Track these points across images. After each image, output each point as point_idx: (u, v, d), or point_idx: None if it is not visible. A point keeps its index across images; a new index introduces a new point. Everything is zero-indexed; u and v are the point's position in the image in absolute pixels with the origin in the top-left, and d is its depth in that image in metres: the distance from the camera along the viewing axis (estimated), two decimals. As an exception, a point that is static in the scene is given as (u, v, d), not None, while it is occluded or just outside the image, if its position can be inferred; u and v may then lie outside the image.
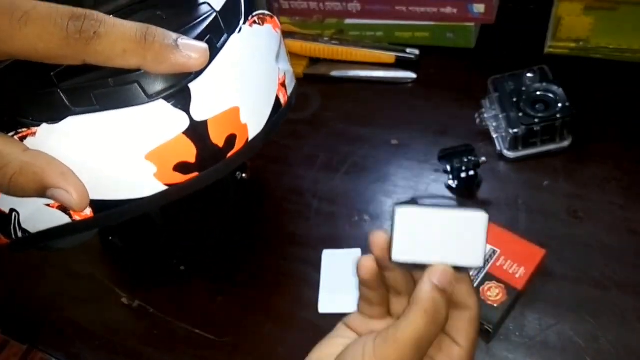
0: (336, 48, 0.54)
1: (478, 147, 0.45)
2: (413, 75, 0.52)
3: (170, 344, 0.39)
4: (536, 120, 0.42)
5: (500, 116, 0.44)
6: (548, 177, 0.43)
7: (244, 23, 0.24)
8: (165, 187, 0.23)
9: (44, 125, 0.21)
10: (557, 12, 0.50)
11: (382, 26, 0.54)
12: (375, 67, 0.53)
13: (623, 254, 0.38)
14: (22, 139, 0.21)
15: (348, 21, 0.55)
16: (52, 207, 0.23)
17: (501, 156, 0.44)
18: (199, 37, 0.22)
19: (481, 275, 0.36)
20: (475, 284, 0.36)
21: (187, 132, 0.23)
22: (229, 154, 0.25)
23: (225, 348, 0.38)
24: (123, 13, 0.22)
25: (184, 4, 0.23)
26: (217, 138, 0.24)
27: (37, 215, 0.24)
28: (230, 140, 0.24)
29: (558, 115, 0.41)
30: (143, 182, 0.23)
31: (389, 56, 0.53)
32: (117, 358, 0.39)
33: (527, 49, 0.50)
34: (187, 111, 0.22)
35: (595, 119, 0.45)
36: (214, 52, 0.22)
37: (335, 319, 0.35)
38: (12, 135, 0.22)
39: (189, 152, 0.23)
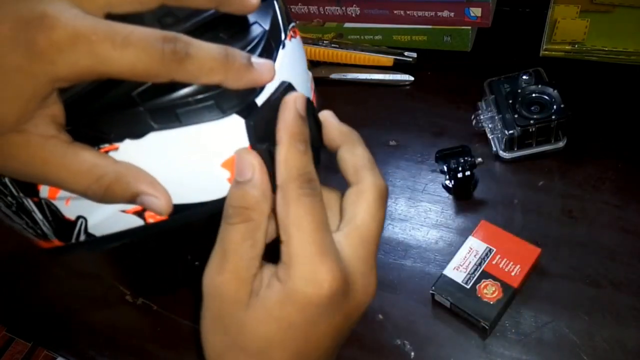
0: (336, 51, 0.55)
1: (474, 148, 0.46)
2: (411, 78, 0.53)
3: (174, 341, 0.40)
4: (531, 122, 0.42)
5: (496, 118, 0.44)
6: (543, 177, 0.44)
7: (285, 38, 0.26)
8: None
9: (127, 141, 0.23)
10: (552, 15, 0.51)
11: (381, 30, 0.55)
12: (374, 69, 0.54)
13: (617, 252, 0.39)
14: (105, 153, 0.23)
15: (347, 25, 0.56)
16: (128, 212, 0.25)
17: (497, 157, 0.45)
18: (259, 57, 0.24)
19: (477, 273, 0.37)
20: (472, 282, 0.37)
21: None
22: None
23: (226, 345, 0.39)
24: (191, 35, 0.23)
25: (240, 25, 0.25)
26: None
27: (110, 221, 0.25)
28: None
29: (553, 117, 0.42)
30: (217, 186, 0.24)
31: (388, 59, 0.54)
32: (121, 355, 0.40)
33: (523, 51, 0.51)
34: None
35: (590, 121, 0.46)
36: None
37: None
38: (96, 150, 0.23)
39: (254, 156, 0.25)
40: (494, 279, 0.37)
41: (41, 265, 0.46)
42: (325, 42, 0.56)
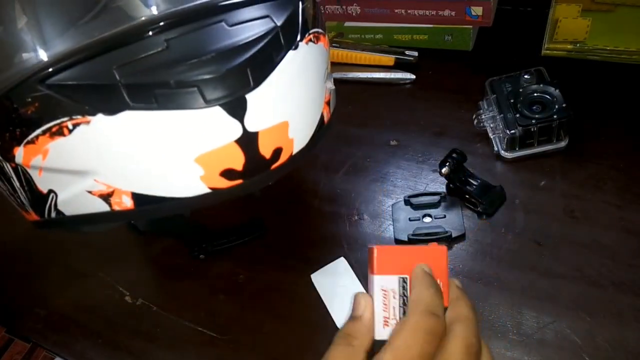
0: (336, 50, 0.55)
1: (475, 147, 0.46)
2: (412, 77, 0.52)
3: (173, 342, 0.39)
4: (533, 122, 0.42)
5: (498, 117, 0.44)
6: (545, 177, 0.43)
7: (301, 40, 0.25)
8: (209, 190, 0.24)
9: (100, 116, 0.22)
10: (554, 14, 0.51)
11: (382, 29, 0.55)
12: (375, 69, 0.54)
13: (619, 253, 0.38)
14: (76, 125, 0.22)
15: (348, 24, 0.56)
16: (94, 194, 0.24)
17: (498, 157, 0.45)
18: (260, 52, 0.22)
19: (406, 308, 0.28)
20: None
21: (238, 141, 0.23)
22: (273, 166, 0.25)
23: (227, 345, 0.39)
24: (190, 23, 0.22)
25: (248, 16, 0.24)
26: (265, 149, 0.24)
27: (77, 200, 0.24)
28: (277, 152, 0.25)
29: (555, 117, 0.42)
30: (189, 183, 0.24)
31: (388, 58, 0.53)
32: (120, 355, 0.40)
33: (524, 50, 0.51)
34: (242, 121, 0.23)
35: (592, 120, 0.46)
36: (272, 66, 0.23)
37: None
38: (66, 121, 0.22)
39: (237, 160, 0.24)
40: None
41: (41, 266, 0.46)
42: (325, 41, 0.56)
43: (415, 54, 0.53)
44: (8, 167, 0.25)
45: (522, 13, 0.55)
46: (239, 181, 0.25)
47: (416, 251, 0.30)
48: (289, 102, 0.25)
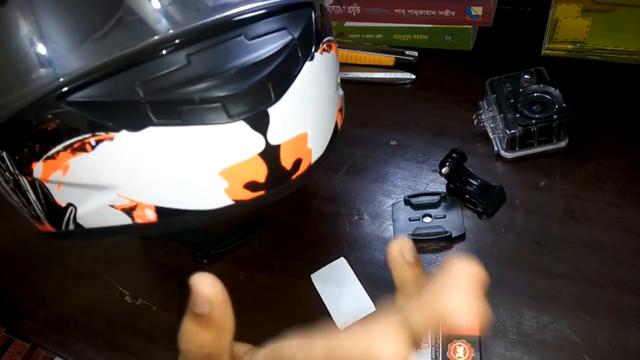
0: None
1: (475, 147, 0.46)
2: (412, 76, 0.52)
3: (174, 342, 0.39)
4: (533, 121, 0.42)
5: (498, 117, 0.44)
6: (545, 177, 0.43)
7: (316, 50, 0.25)
8: (232, 202, 0.24)
9: (124, 132, 0.22)
10: (554, 14, 0.51)
11: (382, 29, 0.55)
12: (375, 68, 0.54)
13: (619, 253, 0.38)
14: (99, 142, 0.22)
15: (348, 24, 0.56)
16: (116, 207, 0.24)
17: (498, 157, 0.45)
18: (280, 66, 0.23)
19: (440, 342, 0.35)
20: (440, 354, 0.34)
21: (261, 154, 0.24)
22: (294, 176, 0.26)
23: (226, 346, 0.39)
24: (209, 38, 0.22)
25: (265, 29, 0.24)
26: (287, 161, 0.25)
27: (98, 213, 0.24)
28: (297, 163, 0.26)
29: (555, 117, 0.42)
30: (213, 196, 0.24)
31: (388, 58, 0.53)
32: (120, 356, 0.40)
33: (524, 50, 0.51)
34: (264, 134, 0.23)
35: (592, 120, 0.46)
36: (291, 79, 0.23)
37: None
38: (89, 137, 0.22)
39: (260, 173, 0.24)
40: (457, 337, 0.35)
41: (41, 266, 0.46)
42: (325, 41, 0.56)
43: (415, 54, 0.53)
44: (24, 181, 0.25)
45: (522, 13, 0.55)
46: (262, 192, 0.25)
47: None
48: (308, 113, 0.25)
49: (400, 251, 0.21)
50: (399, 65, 0.53)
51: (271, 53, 0.23)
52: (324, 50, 0.26)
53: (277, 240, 0.44)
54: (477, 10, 0.50)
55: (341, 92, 0.29)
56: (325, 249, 0.42)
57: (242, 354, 0.23)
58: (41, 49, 0.22)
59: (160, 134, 0.22)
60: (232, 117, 0.22)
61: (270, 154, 0.24)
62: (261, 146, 0.23)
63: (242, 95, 0.22)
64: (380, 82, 0.53)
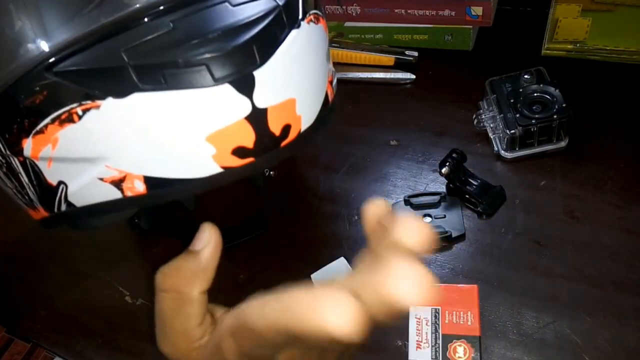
0: (336, 50, 0.55)
1: (475, 147, 0.46)
2: (412, 76, 0.52)
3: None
4: (533, 121, 0.42)
5: (498, 117, 0.44)
6: (545, 177, 0.43)
7: (302, 19, 0.25)
8: (221, 170, 0.24)
9: (110, 99, 0.22)
10: (554, 14, 0.51)
11: (382, 29, 0.55)
12: (375, 68, 0.54)
13: (619, 253, 0.38)
14: (85, 111, 0.22)
15: (348, 24, 0.56)
16: (105, 181, 0.24)
17: (498, 157, 0.45)
18: (265, 29, 0.23)
19: (440, 341, 0.35)
20: (440, 353, 0.35)
21: (248, 118, 0.23)
22: (283, 143, 0.26)
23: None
24: (194, 4, 0.23)
25: None
26: (275, 126, 0.25)
27: (88, 189, 0.24)
28: (286, 129, 0.25)
29: (555, 116, 0.42)
30: (201, 163, 0.23)
31: (388, 58, 0.53)
32: (120, 356, 0.40)
33: (524, 50, 0.51)
34: (250, 97, 0.23)
35: (592, 120, 0.46)
36: (276, 44, 0.23)
37: None
38: (76, 107, 0.22)
39: (248, 137, 0.24)
40: (457, 337, 0.35)
41: (41, 266, 0.46)
42: (325, 41, 0.56)
43: (415, 54, 0.53)
44: (16, 162, 0.25)
45: (522, 13, 0.55)
46: (251, 159, 0.25)
47: (449, 287, 0.37)
48: (295, 79, 0.25)
49: (374, 215, 0.21)
50: (399, 65, 0.53)
51: (255, 17, 0.23)
52: (310, 20, 0.26)
53: (277, 240, 0.44)
54: (477, 10, 0.50)
55: (332, 67, 0.29)
56: (325, 249, 0.42)
57: (217, 316, 0.24)
58: (29, 26, 0.22)
59: (146, 99, 0.22)
60: (217, 80, 0.22)
61: (258, 117, 0.24)
62: (248, 109, 0.23)
63: (227, 57, 0.22)
64: (380, 82, 0.53)
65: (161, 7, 0.22)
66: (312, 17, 0.26)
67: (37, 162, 0.24)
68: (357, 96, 0.53)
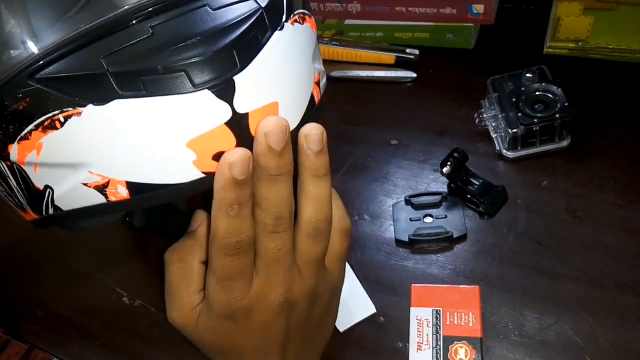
0: (336, 49, 0.54)
1: (477, 147, 0.46)
2: (413, 75, 0.52)
3: (172, 344, 0.39)
4: (535, 121, 0.42)
5: (500, 116, 0.44)
6: (547, 177, 0.43)
7: (286, 21, 0.25)
8: (203, 175, 0.24)
9: (90, 107, 0.22)
10: (556, 13, 0.51)
11: (382, 27, 0.54)
12: (376, 67, 0.53)
13: (622, 253, 0.38)
14: (67, 118, 0.22)
15: (348, 22, 0.55)
16: (90, 186, 0.24)
17: (500, 156, 0.45)
18: (246, 33, 0.23)
19: (441, 343, 0.35)
20: (442, 355, 0.35)
21: (228, 123, 0.23)
22: None
23: (226, 347, 0.38)
24: (172, 4, 0.23)
25: (232, 0, 0.24)
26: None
27: (73, 194, 0.25)
28: None
29: (557, 116, 0.42)
30: (182, 169, 0.24)
31: (389, 57, 0.53)
32: (119, 357, 0.39)
33: (526, 49, 0.51)
34: (231, 103, 0.23)
35: (594, 119, 0.45)
36: (258, 47, 0.23)
37: (353, 329, 0.36)
38: (58, 114, 0.22)
39: (228, 143, 0.24)
40: (458, 339, 0.35)
41: (39, 267, 0.45)
42: (326, 39, 0.55)
43: (417, 52, 0.53)
44: (4, 167, 0.25)
45: (524, 11, 0.55)
46: None
47: (450, 289, 0.37)
48: (278, 83, 0.25)
49: (305, 138, 0.25)
50: (400, 64, 0.53)
51: (236, 20, 0.23)
52: (295, 21, 0.26)
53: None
54: (478, 9, 0.50)
55: (321, 67, 0.29)
56: (326, 250, 0.42)
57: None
58: (12, 32, 0.22)
59: (126, 106, 0.22)
60: (196, 86, 0.22)
61: (238, 123, 0.23)
62: (228, 115, 0.23)
63: (206, 62, 0.22)
64: (381, 80, 0.53)
65: (141, 13, 0.22)
66: (297, 17, 0.26)
67: (24, 167, 0.24)
68: (357, 95, 0.52)
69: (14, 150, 0.24)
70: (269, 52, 0.23)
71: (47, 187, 0.25)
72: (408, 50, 0.53)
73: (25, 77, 0.22)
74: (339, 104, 0.52)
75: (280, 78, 0.25)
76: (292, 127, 0.26)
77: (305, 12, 0.27)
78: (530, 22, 0.53)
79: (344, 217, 0.29)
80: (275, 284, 0.26)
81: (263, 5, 0.24)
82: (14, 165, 0.24)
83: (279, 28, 0.24)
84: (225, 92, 0.22)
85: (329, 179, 0.26)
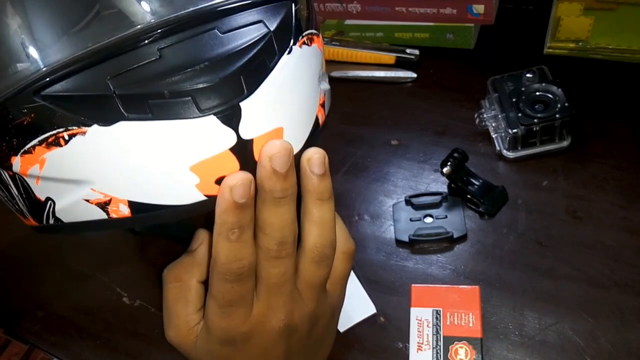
0: (336, 49, 0.54)
1: (477, 147, 0.46)
2: (413, 75, 0.52)
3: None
4: (535, 121, 0.42)
5: (500, 116, 0.44)
6: (547, 177, 0.43)
7: (294, 44, 0.25)
8: (205, 198, 0.24)
9: (95, 127, 0.22)
10: (556, 13, 0.50)
11: (382, 27, 0.54)
12: (376, 67, 0.53)
13: (622, 253, 0.38)
14: (72, 136, 0.22)
15: (348, 22, 0.55)
16: (91, 202, 0.24)
17: (500, 156, 0.45)
18: (253, 59, 0.22)
19: (441, 343, 0.35)
20: (442, 355, 0.35)
21: (233, 149, 0.23)
22: None
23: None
24: (182, 31, 0.22)
25: (241, 22, 0.23)
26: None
27: (74, 208, 0.25)
28: None
29: (557, 116, 0.42)
30: (184, 192, 0.24)
31: (389, 57, 0.53)
32: (119, 357, 0.39)
33: (526, 49, 0.50)
34: (236, 129, 0.23)
35: (595, 119, 0.45)
36: (265, 72, 0.23)
37: (353, 329, 0.36)
38: (62, 132, 0.22)
39: (232, 168, 0.24)
40: (458, 339, 0.35)
41: (39, 267, 0.45)
42: (325, 39, 0.55)
43: (417, 52, 0.53)
44: (6, 175, 0.25)
45: (524, 11, 0.55)
46: None
47: (450, 289, 0.37)
48: (284, 108, 0.24)
49: (307, 162, 0.24)
50: (400, 64, 0.53)
51: (244, 46, 0.22)
52: (303, 43, 0.25)
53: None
54: (478, 9, 0.50)
55: (327, 86, 0.29)
56: (326, 250, 0.42)
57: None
58: (18, 44, 0.22)
59: (131, 128, 0.22)
60: (202, 112, 0.22)
61: (242, 149, 0.23)
62: (232, 141, 0.23)
63: (213, 88, 0.21)
64: (381, 80, 0.53)
65: (149, 35, 0.22)
66: (305, 39, 0.26)
67: (26, 178, 0.24)
68: (357, 95, 0.52)
69: (17, 162, 0.24)
70: (275, 77, 0.23)
71: (48, 198, 0.25)
72: (408, 50, 0.53)
73: (30, 92, 0.22)
74: (339, 104, 0.52)
75: (286, 103, 0.24)
76: (296, 150, 0.26)
77: (314, 32, 0.26)
78: (530, 22, 0.53)
79: (347, 239, 0.28)
80: (276, 309, 0.26)
81: (272, 28, 0.23)
82: (16, 175, 0.24)
83: (287, 52, 0.24)
84: (231, 118, 0.22)
85: (332, 203, 0.26)
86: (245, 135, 0.23)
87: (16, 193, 0.26)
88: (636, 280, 0.37)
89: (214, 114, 0.22)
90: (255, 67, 0.23)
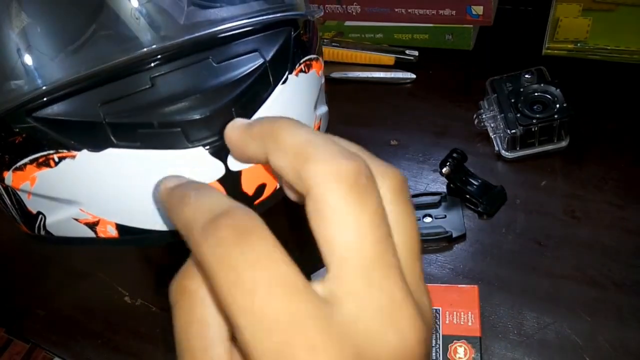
0: (336, 50, 0.55)
1: (476, 147, 0.46)
2: (412, 76, 0.52)
3: (173, 343, 0.39)
4: (534, 121, 0.42)
5: (499, 117, 0.44)
6: (546, 177, 0.43)
7: (291, 72, 0.24)
8: None
9: (85, 151, 0.22)
10: (554, 14, 0.51)
11: (382, 28, 0.55)
12: (375, 68, 0.53)
13: (620, 253, 0.38)
14: (61, 158, 0.22)
15: (348, 23, 0.56)
16: (80, 222, 0.24)
17: (499, 156, 0.45)
18: (246, 90, 0.22)
19: (440, 342, 0.35)
20: (440, 354, 0.35)
21: (221, 180, 0.23)
22: (256, 202, 0.25)
23: (226, 346, 0.38)
24: (176, 55, 0.22)
25: (236, 51, 0.23)
26: (248, 187, 0.24)
27: (64, 224, 0.25)
28: (260, 189, 0.25)
29: (556, 116, 0.42)
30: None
31: (389, 58, 0.53)
32: (120, 356, 0.39)
33: (525, 50, 0.51)
34: (225, 161, 0.23)
35: (593, 120, 0.46)
36: (258, 103, 0.23)
37: None
38: (52, 154, 0.22)
39: None
40: (457, 338, 0.35)
41: (40, 266, 0.45)
42: (325, 40, 0.55)
43: (416, 53, 0.53)
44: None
45: (522, 12, 0.55)
46: None
47: (449, 288, 0.37)
48: None
49: (232, 129, 0.19)
50: (399, 65, 0.53)
51: (238, 77, 0.22)
52: (300, 71, 0.25)
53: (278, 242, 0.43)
54: (477, 10, 0.50)
55: (324, 109, 0.28)
56: (326, 249, 0.42)
57: None
58: (12, 62, 0.22)
59: (120, 155, 0.22)
60: (192, 143, 0.21)
61: (230, 180, 0.23)
62: (220, 173, 0.23)
63: (204, 121, 0.21)
64: (381, 81, 0.53)
65: (142, 62, 0.22)
66: (302, 66, 0.25)
67: (18, 192, 0.25)
68: (357, 96, 0.53)
69: (9, 177, 0.24)
70: (269, 108, 0.23)
71: (39, 212, 0.25)
72: (407, 51, 0.53)
73: (23, 112, 0.22)
74: (338, 104, 0.52)
75: None
76: None
77: (313, 57, 0.26)
78: (528, 23, 0.53)
79: None
80: None
81: (268, 58, 0.23)
82: (9, 187, 0.25)
83: (282, 82, 0.24)
84: (220, 150, 0.22)
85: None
86: (233, 167, 0.23)
87: (9, 203, 0.26)
88: (634, 280, 0.37)
89: (203, 145, 0.22)
90: (249, 98, 0.22)
